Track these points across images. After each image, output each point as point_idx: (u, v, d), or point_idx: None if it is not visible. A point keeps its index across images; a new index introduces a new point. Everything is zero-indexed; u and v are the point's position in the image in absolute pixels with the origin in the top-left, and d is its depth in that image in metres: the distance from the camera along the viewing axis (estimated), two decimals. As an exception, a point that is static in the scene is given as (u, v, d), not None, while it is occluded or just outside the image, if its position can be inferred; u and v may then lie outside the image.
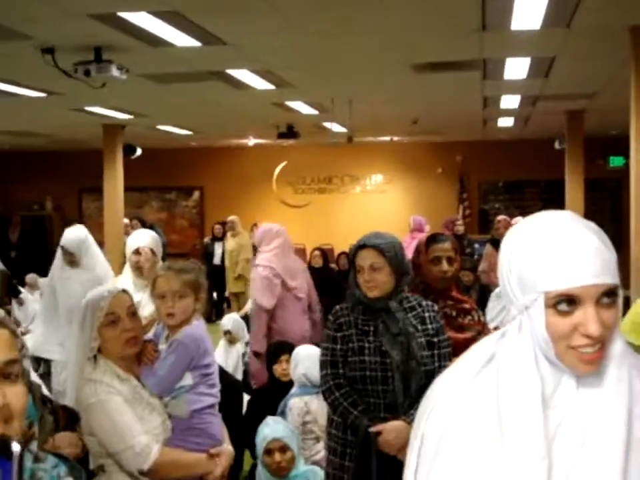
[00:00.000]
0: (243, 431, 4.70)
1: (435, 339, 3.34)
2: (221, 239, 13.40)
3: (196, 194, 18.29)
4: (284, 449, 3.87)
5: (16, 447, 1.13)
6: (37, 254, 14.52)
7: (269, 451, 3.89)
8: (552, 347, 1.38)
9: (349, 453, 3.28)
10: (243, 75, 8.74)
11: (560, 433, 1.39)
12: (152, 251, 4.42)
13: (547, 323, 1.38)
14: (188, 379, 2.85)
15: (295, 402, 4.68)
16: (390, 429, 3.18)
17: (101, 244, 8.54)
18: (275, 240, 5.91)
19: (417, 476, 1.49)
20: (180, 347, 2.85)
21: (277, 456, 3.85)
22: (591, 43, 7.36)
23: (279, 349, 5.32)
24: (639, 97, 6.84)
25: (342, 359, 3.30)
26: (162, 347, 2.93)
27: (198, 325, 2.94)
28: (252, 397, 5.55)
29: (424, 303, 3.44)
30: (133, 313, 2.88)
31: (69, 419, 2.48)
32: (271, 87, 9.44)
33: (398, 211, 16.42)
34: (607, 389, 1.40)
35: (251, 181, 17.41)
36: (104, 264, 5.19)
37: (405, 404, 3.23)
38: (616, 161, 15.40)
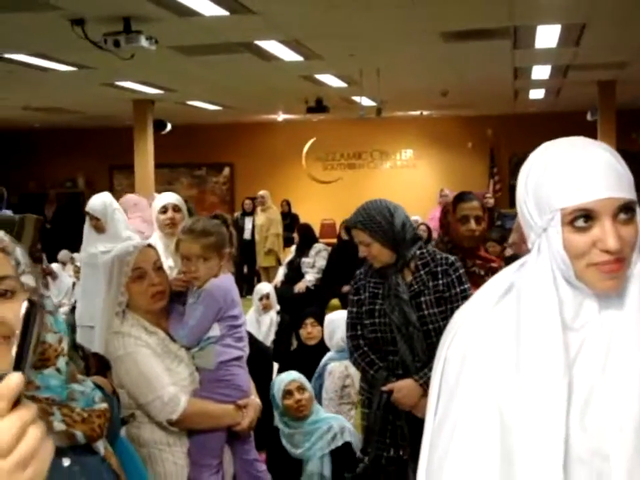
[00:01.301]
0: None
1: (447, 294, 3.32)
2: (251, 213, 13.43)
3: (226, 170, 18.34)
4: (301, 388, 4.02)
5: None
6: (71, 230, 14.65)
7: (288, 393, 3.99)
8: (571, 266, 1.38)
9: (375, 414, 3.37)
10: (271, 46, 8.73)
11: (581, 356, 1.39)
12: (178, 207, 4.44)
13: (564, 241, 1.37)
14: (215, 330, 2.87)
15: (335, 366, 4.77)
16: (400, 387, 3.26)
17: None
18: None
19: (440, 400, 1.50)
20: (208, 297, 2.88)
21: (297, 395, 3.97)
22: (621, 9, 7.26)
23: (304, 313, 5.44)
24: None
25: (359, 321, 3.40)
26: (191, 300, 2.95)
27: (226, 278, 2.96)
28: (281, 363, 5.61)
29: (438, 256, 3.38)
30: (159, 267, 2.90)
31: (100, 366, 2.52)
32: (299, 58, 9.42)
33: (428, 186, 16.34)
34: (629, 310, 1.39)
35: (280, 157, 17.42)
36: (130, 232, 5.22)
37: (416, 364, 3.28)
38: (649, 134, 15.21)
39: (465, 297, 3.32)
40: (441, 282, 3.34)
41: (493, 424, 1.39)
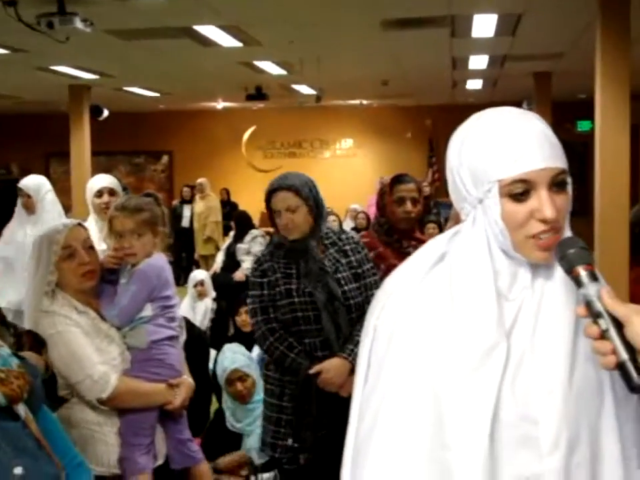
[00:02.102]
0: (210, 382, 4.74)
1: (359, 270, 3.35)
2: (190, 201, 13.34)
3: (165, 158, 18.17)
4: (243, 377, 4.09)
5: None
6: (4, 218, 14.34)
7: (229, 381, 4.10)
8: (508, 237, 1.39)
9: (288, 393, 3.29)
10: (210, 31, 8.63)
11: (516, 324, 1.40)
12: (114, 191, 4.37)
13: (502, 212, 1.38)
14: (148, 310, 2.84)
15: None
16: (328, 367, 3.21)
17: (67, 208, 8.45)
18: None
19: (369, 370, 1.49)
20: (140, 278, 2.85)
21: (238, 385, 4.03)
22: (557, 1, 7.35)
23: (238, 301, 5.49)
24: (604, 59, 6.81)
25: (271, 303, 3.29)
26: (123, 280, 2.92)
27: (159, 257, 2.93)
28: (218, 349, 5.59)
29: (343, 236, 3.43)
30: (89, 246, 2.86)
31: (34, 343, 2.47)
32: (238, 44, 9.34)
33: (368, 175, 16.43)
34: (557, 278, 1.41)
35: (220, 145, 17.32)
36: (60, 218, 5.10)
37: (339, 341, 3.26)
38: (584, 125, 15.51)
39: (375, 273, 3.39)
40: (353, 258, 3.37)
41: (424, 391, 1.39)
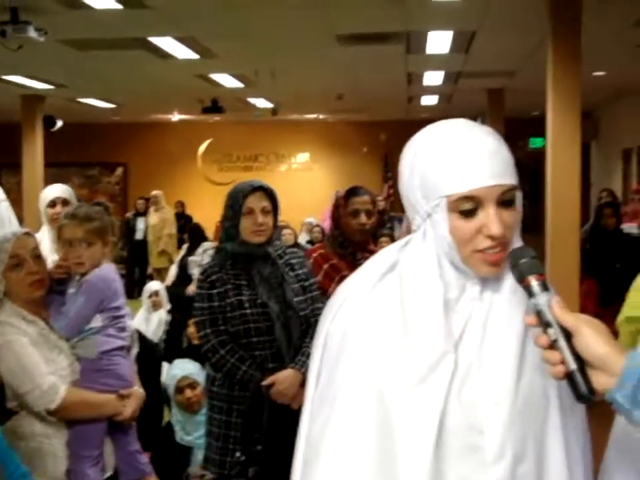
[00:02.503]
0: (162, 395, 4.70)
1: (306, 283, 3.36)
2: (144, 214, 13.23)
3: (119, 170, 18.01)
4: (193, 385, 4.05)
5: None
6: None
7: (179, 389, 4.07)
8: (456, 251, 1.40)
9: (236, 409, 3.24)
10: (165, 42, 8.61)
11: (464, 335, 1.41)
12: (67, 201, 4.31)
13: (450, 227, 1.39)
14: (97, 321, 2.80)
15: None
16: (282, 379, 3.18)
17: (20, 220, 8.31)
18: None
19: (321, 375, 1.50)
20: (89, 289, 2.81)
21: (188, 392, 4.04)
22: (510, 17, 7.48)
23: (189, 314, 5.52)
24: (556, 77, 6.92)
25: (221, 315, 3.24)
26: (72, 290, 2.87)
27: (108, 267, 2.90)
28: (171, 362, 5.55)
29: (288, 250, 3.45)
30: (37, 255, 2.81)
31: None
32: (194, 56, 9.33)
33: (324, 189, 16.44)
34: (506, 292, 1.42)
35: (175, 157, 17.23)
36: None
37: (290, 352, 3.24)
38: (536, 142, 15.72)
39: (319, 288, 3.41)
40: (300, 272, 3.37)
41: (373, 399, 1.40)
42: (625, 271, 6.68)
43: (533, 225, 12.61)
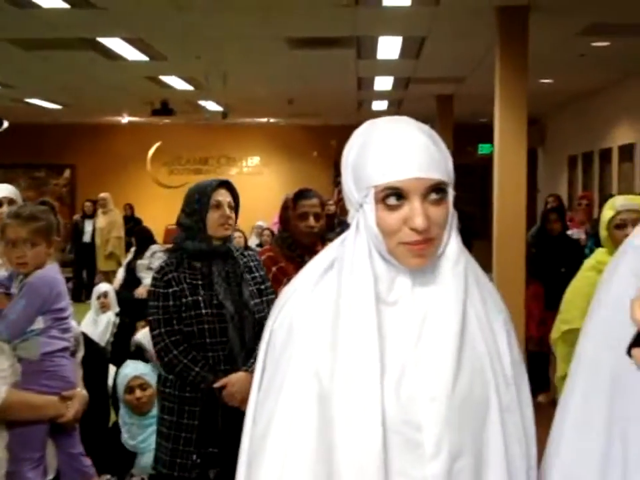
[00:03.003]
0: (108, 398, 4.64)
1: (263, 286, 3.38)
2: (92, 216, 13.07)
3: (67, 172, 17.78)
4: (144, 386, 3.99)
5: None
6: None
7: (130, 389, 4.00)
8: (383, 242, 1.41)
9: (187, 410, 3.22)
10: (115, 43, 8.53)
11: (395, 329, 1.42)
12: (14, 200, 4.24)
13: (377, 218, 1.41)
14: (39, 323, 2.77)
15: None
16: (233, 381, 3.17)
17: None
18: None
19: (264, 373, 1.51)
20: (31, 290, 2.77)
21: (138, 392, 3.97)
22: (459, 24, 7.56)
23: (137, 317, 5.45)
24: (503, 84, 7.03)
25: (176, 315, 3.22)
26: (14, 291, 2.83)
27: (51, 268, 2.86)
28: (118, 365, 5.49)
29: (246, 252, 3.47)
30: None
31: None
32: (144, 58, 9.26)
33: (274, 193, 16.40)
34: (442, 287, 1.44)
35: (124, 160, 17.07)
36: None
37: (242, 354, 3.24)
38: (485, 149, 15.93)
39: (274, 292, 3.39)
40: (257, 274, 3.38)
41: (314, 395, 1.41)
42: (570, 275, 6.79)
43: (482, 230, 12.76)
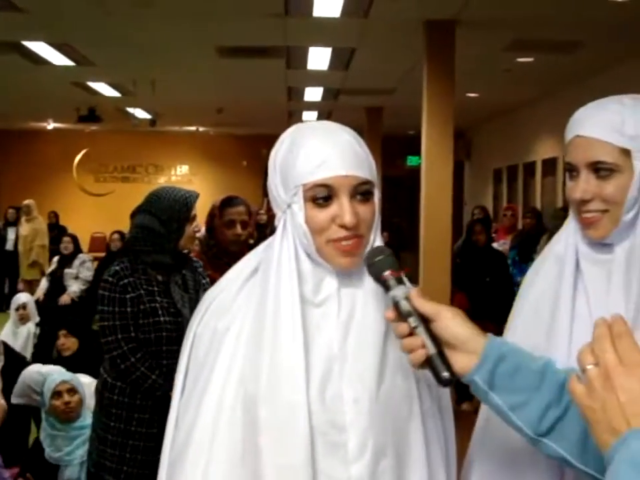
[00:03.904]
0: (30, 409, 4.54)
1: None
2: (15, 223, 12.76)
3: (-11, 178, 17.36)
4: (72, 390, 3.91)
5: None
6: None
7: (57, 394, 3.89)
8: (312, 241, 1.42)
9: (136, 417, 3.19)
10: (39, 48, 8.37)
11: (320, 330, 1.43)
12: None
13: (306, 216, 1.42)
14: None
15: None
16: None
17: None
18: None
19: (187, 377, 1.51)
20: None
21: (66, 396, 3.87)
22: (388, 37, 7.64)
23: (57, 325, 5.40)
24: (430, 97, 7.14)
25: (133, 321, 3.17)
26: None
27: None
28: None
29: (191, 259, 3.46)
30: None
31: None
32: (70, 63, 9.11)
33: (203, 202, 16.24)
34: (367, 287, 1.45)
35: (50, 166, 16.75)
36: None
37: None
38: (413, 161, 16.13)
39: None
40: (203, 282, 3.38)
41: (239, 398, 1.40)
42: (494, 285, 6.93)
43: (410, 242, 12.89)
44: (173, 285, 3.23)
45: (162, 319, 3.17)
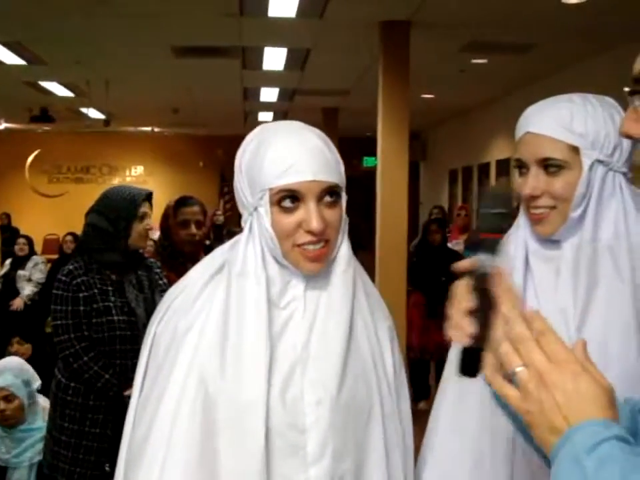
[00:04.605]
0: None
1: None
2: (-37, 225, 12.55)
3: (-63, 179, 17.03)
4: (9, 397, 3.79)
5: None
6: None
7: None
8: (278, 245, 1.41)
9: (90, 418, 3.16)
10: (-10, 46, 8.24)
11: (285, 333, 1.42)
12: None
13: (272, 220, 1.41)
14: None
15: None
16: None
17: None
18: None
19: (146, 377, 1.49)
20: None
21: (2, 404, 3.77)
22: (343, 37, 7.65)
23: (10, 331, 5.35)
24: (386, 98, 7.16)
25: (86, 320, 3.16)
26: None
27: None
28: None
29: (153, 261, 3.46)
30: None
31: None
32: (22, 62, 8.97)
33: (159, 203, 16.08)
34: (334, 290, 1.45)
35: (1, 167, 16.50)
36: None
37: None
38: (369, 161, 16.17)
39: None
40: (161, 282, 3.37)
41: (199, 398, 1.39)
42: (449, 284, 6.97)
43: (367, 241, 12.93)
44: (127, 284, 3.22)
45: (115, 318, 3.16)
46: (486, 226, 1.14)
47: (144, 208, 3.26)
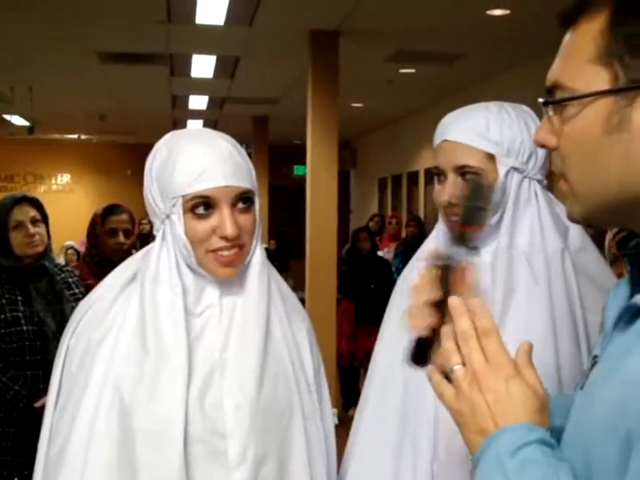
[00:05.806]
0: None
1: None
2: None
3: None
4: None
5: None
6: None
7: None
8: (192, 253, 1.41)
9: (1, 431, 3.07)
10: None
11: (201, 340, 1.42)
12: None
13: (186, 227, 1.40)
14: None
15: None
16: None
17: None
18: None
19: (61, 390, 1.47)
20: None
21: None
22: (272, 46, 7.65)
23: None
24: (315, 106, 7.19)
25: None
26: None
27: None
28: None
29: (64, 268, 3.40)
30: None
31: None
32: (-59, 67, 8.74)
33: (86, 211, 15.79)
34: (249, 296, 1.44)
35: None
36: None
37: None
38: (300, 170, 16.21)
39: None
40: (77, 291, 3.30)
41: (114, 408, 1.38)
42: (379, 292, 7.02)
43: (297, 250, 12.95)
44: (34, 294, 3.15)
45: (24, 328, 3.10)
46: (465, 218, 1.11)
47: (17, 216, 3.14)
